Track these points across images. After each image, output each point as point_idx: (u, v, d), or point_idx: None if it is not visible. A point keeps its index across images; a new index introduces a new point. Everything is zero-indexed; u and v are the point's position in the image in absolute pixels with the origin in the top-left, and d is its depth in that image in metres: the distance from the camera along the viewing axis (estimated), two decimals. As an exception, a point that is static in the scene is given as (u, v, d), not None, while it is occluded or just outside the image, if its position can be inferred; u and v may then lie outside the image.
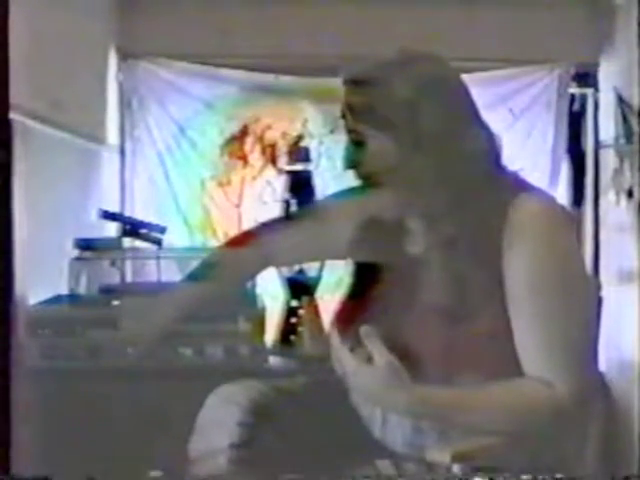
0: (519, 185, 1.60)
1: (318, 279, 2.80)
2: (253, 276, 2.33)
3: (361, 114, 1.55)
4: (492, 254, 1.52)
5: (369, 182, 1.61)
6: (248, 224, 3.63)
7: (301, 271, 2.77)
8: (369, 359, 1.49)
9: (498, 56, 3.65)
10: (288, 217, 2.46)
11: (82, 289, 2.74)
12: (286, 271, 2.78)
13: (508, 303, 1.52)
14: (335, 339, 1.58)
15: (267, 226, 1.99)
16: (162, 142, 3.75)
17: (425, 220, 1.61)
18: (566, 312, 1.51)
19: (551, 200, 1.63)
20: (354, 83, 1.58)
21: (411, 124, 1.52)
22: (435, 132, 1.53)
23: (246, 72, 3.74)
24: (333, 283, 2.83)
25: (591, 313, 1.63)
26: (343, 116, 1.59)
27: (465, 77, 1.62)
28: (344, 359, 1.53)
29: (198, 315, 1.89)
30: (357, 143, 1.58)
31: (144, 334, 1.88)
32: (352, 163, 1.60)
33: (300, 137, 3.79)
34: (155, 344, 2.26)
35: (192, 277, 1.91)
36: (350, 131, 1.59)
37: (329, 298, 2.94)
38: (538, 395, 1.50)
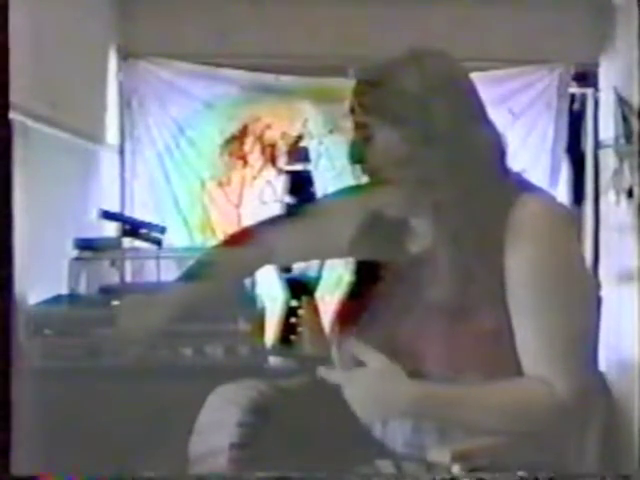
0: (522, 185, 1.60)
1: (318, 279, 2.81)
2: (251, 273, 2.33)
3: (371, 107, 1.56)
4: (494, 253, 1.52)
5: (375, 177, 1.61)
6: (248, 224, 3.63)
7: (302, 271, 2.77)
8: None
9: (498, 56, 3.66)
10: (288, 215, 2.46)
11: (82, 289, 2.74)
12: (285, 271, 2.79)
13: (509, 302, 1.52)
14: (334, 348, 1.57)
15: (266, 223, 1.98)
16: (162, 142, 3.75)
17: (428, 218, 1.61)
18: (566, 312, 1.51)
19: (553, 200, 1.64)
20: (366, 81, 1.58)
21: (420, 118, 1.53)
22: (443, 128, 1.53)
23: (246, 72, 3.75)
24: (333, 283, 2.84)
25: (591, 313, 1.63)
26: (352, 111, 1.59)
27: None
28: (336, 378, 1.53)
29: (198, 315, 1.89)
30: (365, 138, 1.58)
31: (141, 332, 1.87)
32: (359, 157, 1.60)
33: (300, 137, 3.79)
34: (153, 342, 2.27)
35: (188, 275, 1.90)
36: (358, 125, 1.59)
37: (329, 298, 2.94)
38: (538, 394, 1.50)
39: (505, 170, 1.62)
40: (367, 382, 1.49)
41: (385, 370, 1.48)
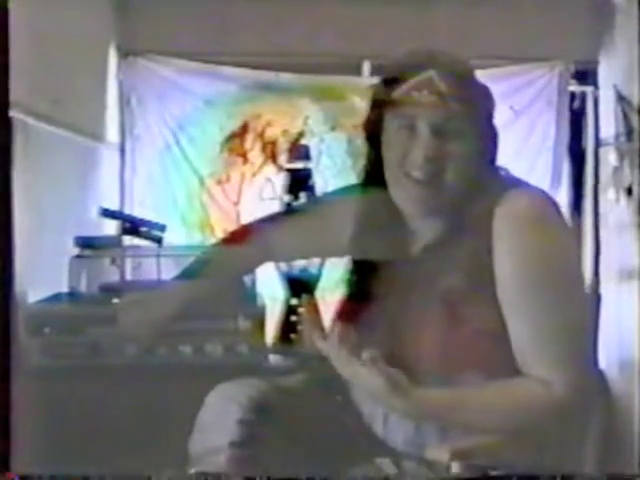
0: (509, 181, 1.61)
1: (318, 277, 2.80)
2: (251, 271, 2.33)
3: (465, 98, 1.53)
4: (485, 252, 1.52)
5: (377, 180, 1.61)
6: (247, 222, 3.63)
7: (302, 269, 2.77)
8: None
9: (499, 54, 3.65)
10: (288, 212, 2.46)
11: (82, 287, 2.73)
12: (286, 269, 2.78)
13: (501, 300, 1.51)
14: (333, 344, 1.55)
15: (266, 221, 1.98)
16: (162, 140, 3.75)
17: (426, 218, 1.61)
18: (559, 308, 1.50)
19: (541, 195, 1.60)
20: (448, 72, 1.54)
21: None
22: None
23: (246, 69, 3.74)
24: (334, 282, 2.83)
25: (586, 308, 1.62)
26: (437, 102, 1.53)
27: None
28: (342, 366, 1.52)
29: (198, 313, 1.89)
30: (454, 130, 1.54)
31: (142, 330, 1.88)
32: (433, 155, 1.55)
33: (300, 134, 3.79)
34: (153, 340, 2.27)
35: (188, 273, 1.90)
36: (448, 119, 1.54)
37: (330, 297, 2.94)
38: (536, 394, 1.50)
39: (493, 167, 1.62)
40: (372, 387, 1.48)
41: (391, 384, 1.46)
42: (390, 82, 1.58)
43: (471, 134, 1.55)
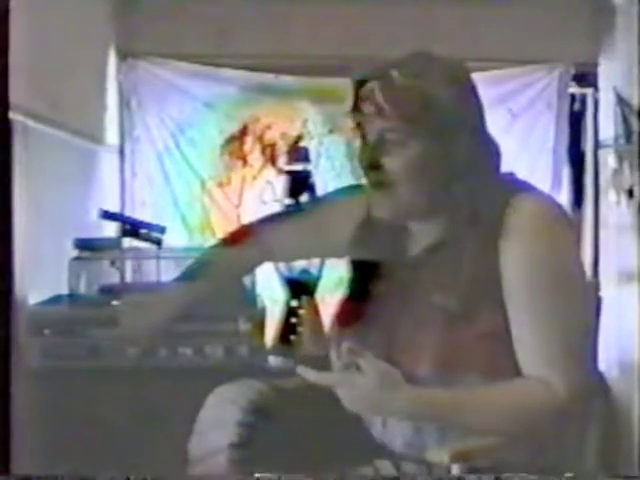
0: (517, 185, 1.61)
1: (318, 279, 2.80)
2: (251, 271, 2.33)
3: (411, 114, 1.52)
4: (491, 254, 1.52)
5: (380, 181, 1.60)
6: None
7: (302, 271, 2.77)
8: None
9: (498, 56, 3.65)
10: (287, 212, 2.47)
11: (82, 289, 2.73)
12: (286, 270, 2.78)
13: (506, 302, 1.52)
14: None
15: (265, 221, 1.98)
16: (161, 142, 3.75)
17: (425, 220, 1.61)
18: (564, 311, 1.51)
19: (548, 199, 1.63)
20: (393, 85, 1.54)
21: (445, 127, 1.53)
22: (456, 134, 1.54)
23: (246, 72, 3.74)
24: (333, 283, 2.83)
25: (589, 312, 1.63)
26: (379, 112, 1.54)
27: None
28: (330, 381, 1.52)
29: (198, 315, 1.89)
30: (395, 143, 1.54)
31: (142, 332, 1.88)
32: (375, 162, 1.57)
33: (300, 137, 3.79)
34: (153, 342, 2.27)
35: (188, 274, 1.90)
36: (386, 129, 1.55)
37: (329, 298, 2.94)
38: (536, 395, 1.50)
39: (499, 173, 1.62)
40: (365, 389, 1.48)
41: (383, 377, 1.47)
42: (359, 83, 1.58)
43: (423, 145, 1.54)
